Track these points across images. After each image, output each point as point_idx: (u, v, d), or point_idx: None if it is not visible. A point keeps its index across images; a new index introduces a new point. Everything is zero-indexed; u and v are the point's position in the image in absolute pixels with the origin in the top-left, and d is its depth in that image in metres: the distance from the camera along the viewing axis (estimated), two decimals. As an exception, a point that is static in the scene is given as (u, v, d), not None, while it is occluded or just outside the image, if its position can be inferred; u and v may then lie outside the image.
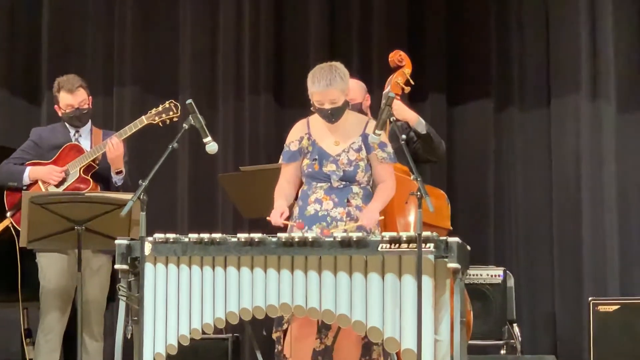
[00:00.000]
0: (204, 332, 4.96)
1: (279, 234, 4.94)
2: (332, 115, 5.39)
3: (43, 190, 6.20)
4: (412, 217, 5.65)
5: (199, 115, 5.05)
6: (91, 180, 6.27)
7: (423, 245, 4.71)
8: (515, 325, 7.46)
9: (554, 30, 8.10)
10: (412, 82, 6.14)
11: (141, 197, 4.82)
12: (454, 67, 8.26)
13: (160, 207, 7.57)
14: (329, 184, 5.40)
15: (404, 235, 4.79)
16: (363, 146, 5.43)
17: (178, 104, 6.37)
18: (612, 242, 7.78)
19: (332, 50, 8.13)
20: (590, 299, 7.13)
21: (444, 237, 4.82)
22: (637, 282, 7.75)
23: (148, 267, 4.93)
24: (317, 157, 5.41)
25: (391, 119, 5.12)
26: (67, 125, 6.37)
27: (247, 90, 8.29)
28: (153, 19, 8.41)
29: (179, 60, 8.35)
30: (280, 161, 5.53)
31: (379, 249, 4.79)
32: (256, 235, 4.90)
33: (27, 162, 6.32)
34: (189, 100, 5.08)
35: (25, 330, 6.57)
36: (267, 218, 5.30)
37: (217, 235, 4.94)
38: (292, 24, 8.38)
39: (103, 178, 6.29)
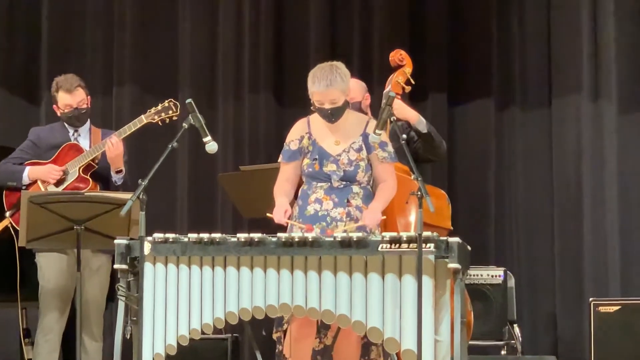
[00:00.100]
0: (203, 332, 4.96)
1: (278, 234, 4.93)
2: (332, 115, 5.37)
3: (42, 189, 6.19)
4: (412, 217, 5.64)
5: (198, 115, 5.03)
6: (90, 179, 6.26)
7: (423, 245, 4.70)
8: (515, 325, 7.45)
9: (555, 29, 8.09)
10: (413, 82, 6.13)
11: (141, 196, 4.81)
12: (454, 66, 8.23)
13: (159, 207, 7.56)
14: (329, 183, 5.38)
15: (404, 235, 4.78)
16: (363, 146, 5.41)
17: (177, 103, 6.36)
18: (613, 242, 7.76)
19: (332, 50, 8.11)
20: (590, 299, 7.11)
21: (445, 237, 4.81)
22: (638, 283, 7.72)
23: (147, 267, 4.92)
24: (317, 156, 5.40)
25: (392, 119, 5.12)
26: (66, 125, 6.36)
27: (247, 90, 8.26)
28: (152, 18, 8.39)
29: (179, 59, 8.33)
30: (279, 160, 5.52)
31: (379, 249, 4.78)
32: (256, 235, 4.88)
33: (26, 162, 6.31)
34: (189, 100, 5.07)
35: (24, 330, 6.56)
36: (269, 215, 5.28)
37: (216, 235, 4.93)
38: (292, 24, 8.35)
39: (102, 177, 6.28)
